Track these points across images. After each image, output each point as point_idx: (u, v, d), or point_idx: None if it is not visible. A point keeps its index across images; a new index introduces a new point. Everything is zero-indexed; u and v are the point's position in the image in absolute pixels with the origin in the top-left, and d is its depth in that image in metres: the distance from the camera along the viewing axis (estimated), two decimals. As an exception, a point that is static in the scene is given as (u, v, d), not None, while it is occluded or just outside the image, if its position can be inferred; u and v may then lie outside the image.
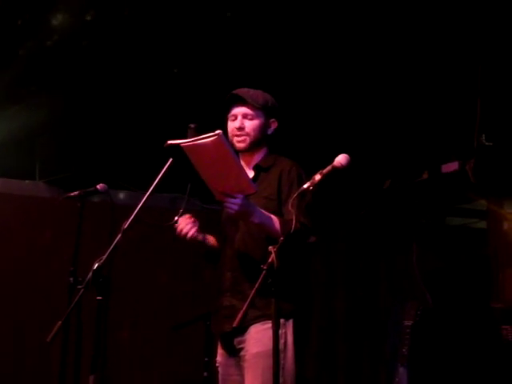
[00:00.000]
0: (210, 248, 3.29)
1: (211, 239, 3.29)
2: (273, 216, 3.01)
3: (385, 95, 5.12)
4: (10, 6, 4.38)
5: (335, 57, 4.84)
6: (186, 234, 3.11)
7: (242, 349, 3.08)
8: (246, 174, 2.98)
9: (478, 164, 4.89)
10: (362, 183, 5.79)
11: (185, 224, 3.11)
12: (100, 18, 4.51)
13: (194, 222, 3.14)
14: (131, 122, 5.36)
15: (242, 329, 3.01)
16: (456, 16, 4.43)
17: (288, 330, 3.01)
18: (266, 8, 4.47)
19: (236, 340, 3.09)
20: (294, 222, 2.69)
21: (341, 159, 2.71)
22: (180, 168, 2.87)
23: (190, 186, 3.01)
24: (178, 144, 2.86)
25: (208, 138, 2.78)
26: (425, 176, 5.45)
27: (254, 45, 4.73)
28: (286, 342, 2.98)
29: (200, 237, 3.18)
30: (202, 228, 3.21)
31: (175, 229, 3.12)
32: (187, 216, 3.14)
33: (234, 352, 3.12)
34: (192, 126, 2.95)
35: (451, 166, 5.20)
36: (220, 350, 3.22)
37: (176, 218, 3.06)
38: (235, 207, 2.90)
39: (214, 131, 2.79)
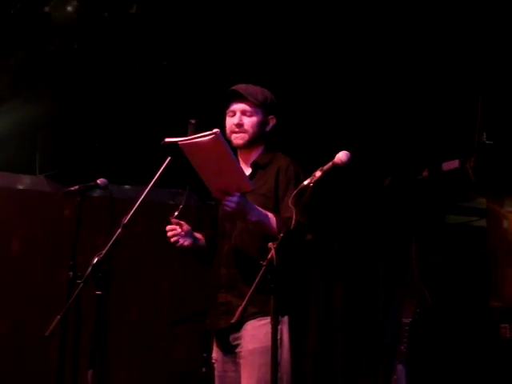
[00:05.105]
0: (198, 249, 3.25)
1: (200, 238, 3.26)
2: (270, 214, 3.00)
3: (386, 93, 5.12)
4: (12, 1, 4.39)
5: (336, 53, 4.84)
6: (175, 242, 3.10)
7: (237, 345, 3.08)
8: (243, 171, 2.98)
9: (479, 162, 4.88)
10: (363, 180, 5.78)
11: (172, 234, 3.10)
12: (103, 14, 4.51)
13: (181, 230, 3.10)
14: (132, 116, 5.36)
15: (238, 325, 3.00)
16: (458, 14, 4.43)
17: (283, 327, 3.00)
18: (266, 3, 4.47)
19: (232, 336, 3.09)
20: (293, 219, 2.67)
21: (341, 156, 2.70)
22: (178, 165, 2.87)
23: (189, 183, 3.01)
24: (176, 142, 2.85)
25: (206, 137, 2.78)
26: (425, 174, 5.44)
27: (254, 40, 4.73)
28: (281, 339, 2.97)
29: (187, 243, 3.13)
30: (198, 225, 3.19)
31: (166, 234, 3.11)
32: (175, 223, 3.09)
33: (229, 349, 3.11)
34: (193, 121, 2.95)
35: (452, 164, 5.19)
36: (216, 347, 3.22)
37: (176, 213, 3.06)
38: (232, 205, 2.89)
39: (211, 129, 2.79)
